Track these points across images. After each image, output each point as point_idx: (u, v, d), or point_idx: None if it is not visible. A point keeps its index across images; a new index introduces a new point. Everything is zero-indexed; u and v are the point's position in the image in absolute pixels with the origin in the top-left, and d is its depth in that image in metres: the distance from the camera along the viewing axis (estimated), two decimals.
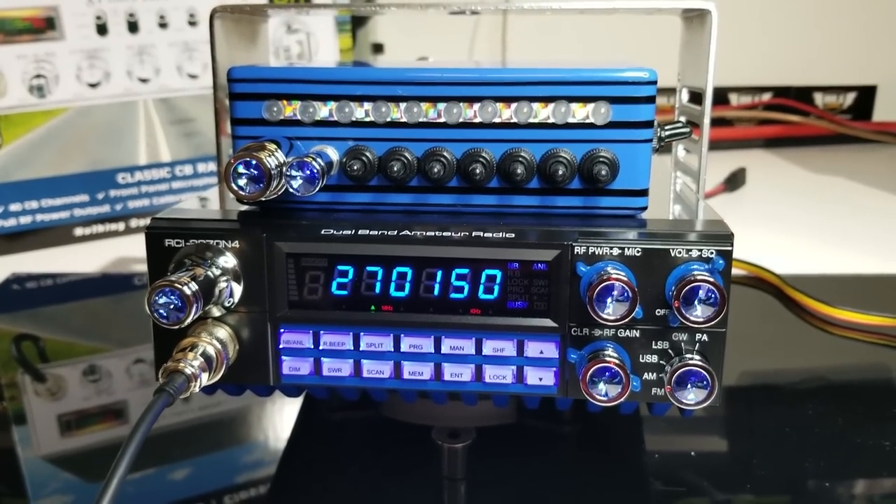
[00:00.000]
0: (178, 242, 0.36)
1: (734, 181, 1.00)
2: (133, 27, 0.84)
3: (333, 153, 0.37)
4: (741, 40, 1.26)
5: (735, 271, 0.76)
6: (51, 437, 0.52)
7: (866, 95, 1.32)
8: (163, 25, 0.85)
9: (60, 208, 0.85)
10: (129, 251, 0.85)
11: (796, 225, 0.92)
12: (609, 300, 0.33)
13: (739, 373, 0.58)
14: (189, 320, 0.33)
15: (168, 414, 0.53)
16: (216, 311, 0.36)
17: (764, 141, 1.27)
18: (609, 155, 0.36)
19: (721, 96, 1.29)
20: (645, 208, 0.37)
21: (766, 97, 1.30)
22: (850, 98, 1.33)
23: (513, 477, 0.46)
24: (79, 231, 0.87)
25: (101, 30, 0.82)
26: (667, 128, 0.38)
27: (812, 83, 1.31)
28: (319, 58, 0.93)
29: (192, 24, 0.86)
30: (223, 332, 0.37)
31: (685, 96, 0.53)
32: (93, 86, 0.83)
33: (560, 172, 0.35)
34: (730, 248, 0.34)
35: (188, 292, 0.33)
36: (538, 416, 0.48)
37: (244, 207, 0.40)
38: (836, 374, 0.60)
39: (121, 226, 0.88)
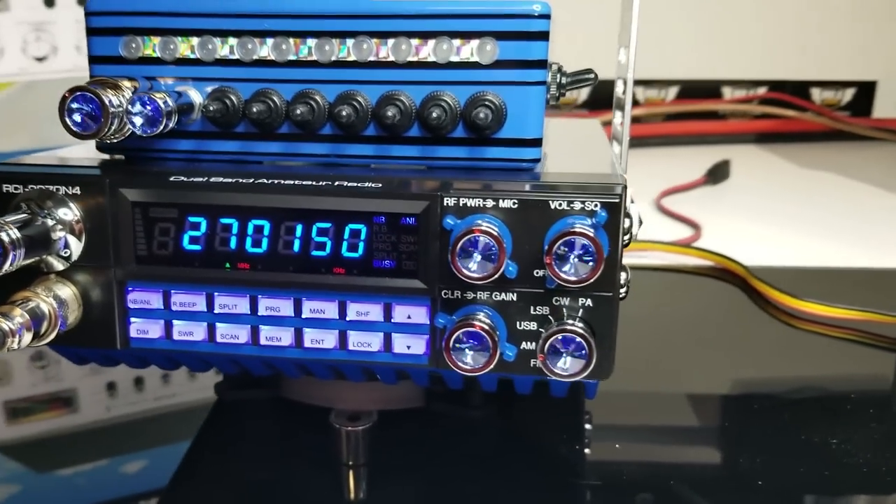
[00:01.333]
0: (16, 188, 0.33)
1: (716, 174, 0.96)
2: (82, 0, 0.81)
3: (196, 95, 0.34)
4: (736, 32, 1.22)
5: (700, 262, 0.72)
6: None
7: (866, 91, 1.27)
8: None
9: None
10: None
11: (776, 218, 0.87)
12: (475, 255, 0.29)
13: (691, 364, 0.54)
14: (6, 269, 0.30)
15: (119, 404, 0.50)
16: (59, 266, 0.33)
17: (756, 136, 1.22)
18: (495, 99, 0.32)
19: (714, 90, 1.25)
20: (537, 160, 0.33)
21: (762, 91, 1.25)
22: (848, 94, 1.27)
23: (417, 463, 0.42)
24: None
25: (49, 2, 0.79)
26: (567, 73, 0.34)
27: (809, 78, 1.26)
28: None
29: None
30: (66, 291, 0.33)
31: (622, 57, 0.49)
32: (39, 59, 0.80)
33: (435, 116, 0.32)
34: (616, 201, 0.30)
35: (6, 238, 0.30)
36: (448, 400, 0.45)
37: (107, 157, 0.36)
38: (795, 368, 0.55)
39: None
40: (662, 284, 0.70)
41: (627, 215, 0.34)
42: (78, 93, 0.31)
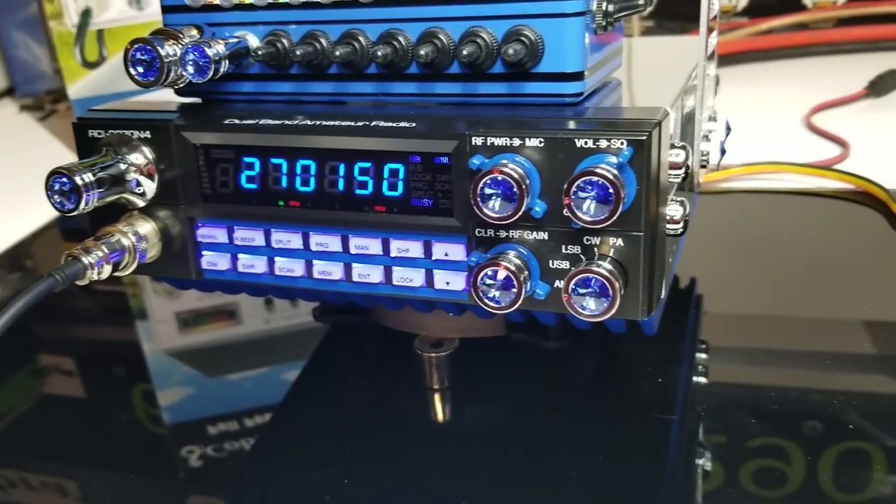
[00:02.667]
0: (99, 133, 0.36)
1: (880, 85, 0.87)
2: None
3: (253, 39, 0.35)
4: None
5: (840, 185, 0.66)
6: (170, 333, 0.56)
7: None
8: None
9: None
10: None
11: None
12: (493, 196, 0.29)
13: (817, 293, 0.51)
14: (82, 208, 0.33)
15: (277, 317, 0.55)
16: (139, 203, 0.36)
17: None
18: (530, 33, 0.31)
19: None
20: (580, 94, 0.32)
21: None
22: None
23: (496, 390, 0.44)
24: None
25: None
26: (616, 0, 0.33)
27: None
28: None
29: None
30: (147, 226, 0.36)
31: None
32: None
33: (466, 53, 0.31)
34: (642, 138, 0.29)
35: (80, 181, 0.33)
36: (527, 331, 0.45)
37: (186, 100, 0.39)
38: None
39: None
40: (794, 209, 0.65)
41: (679, 147, 0.32)
42: (137, 44, 0.33)
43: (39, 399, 0.48)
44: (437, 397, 0.44)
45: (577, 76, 0.32)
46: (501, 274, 0.30)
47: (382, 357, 0.48)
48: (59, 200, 0.33)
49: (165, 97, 0.39)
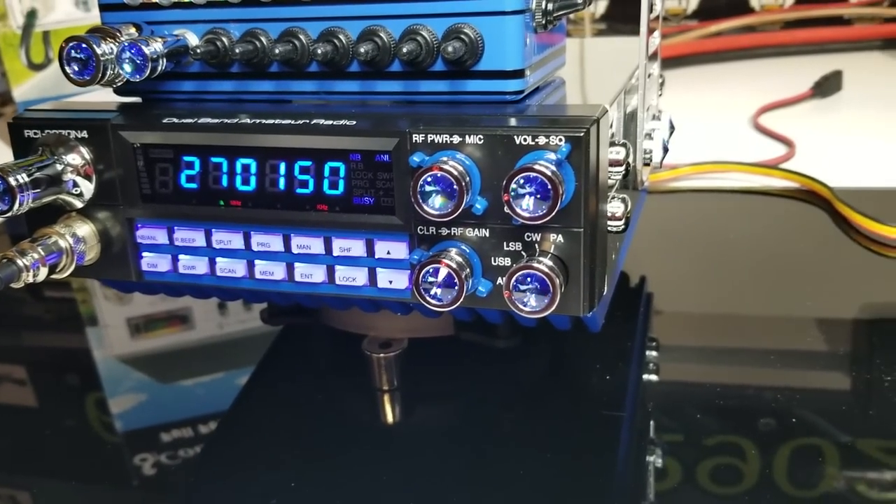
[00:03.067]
0: (35, 133, 0.35)
1: (825, 86, 0.89)
2: None
3: (192, 38, 0.35)
4: None
5: (785, 183, 0.68)
6: (122, 339, 0.55)
7: None
8: None
9: None
10: None
11: (886, 134, 0.80)
12: (433, 193, 0.29)
13: (763, 290, 0.52)
14: (16, 209, 0.33)
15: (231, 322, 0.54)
16: (77, 204, 0.36)
17: (883, 42, 1.11)
18: (470, 31, 0.31)
19: None
20: (520, 92, 0.32)
21: None
22: None
23: (446, 389, 0.44)
24: None
25: None
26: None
27: None
28: None
29: None
30: (85, 228, 0.36)
31: None
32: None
33: (406, 50, 0.31)
34: (580, 135, 0.29)
35: (13, 182, 0.32)
36: (476, 330, 0.45)
37: (125, 100, 0.38)
38: (874, 297, 0.52)
39: None
40: (741, 207, 0.66)
41: (622, 144, 0.32)
42: (72, 42, 0.33)
43: None
44: (386, 398, 0.43)
45: (518, 74, 0.32)
46: (443, 271, 0.30)
47: (331, 359, 0.48)
48: None
49: (109, 98, 0.39)
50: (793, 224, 0.63)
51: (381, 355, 0.43)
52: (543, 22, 0.33)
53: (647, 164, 0.39)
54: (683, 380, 0.45)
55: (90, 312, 0.60)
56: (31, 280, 0.33)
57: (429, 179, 0.29)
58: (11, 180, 0.32)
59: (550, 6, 0.33)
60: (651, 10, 0.38)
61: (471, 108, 0.33)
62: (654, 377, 0.44)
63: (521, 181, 0.28)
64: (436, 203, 0.29)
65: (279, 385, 0.45)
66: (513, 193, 0.28)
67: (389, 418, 0.43)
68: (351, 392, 0.44)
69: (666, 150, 0.41)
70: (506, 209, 0.29)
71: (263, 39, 0.34)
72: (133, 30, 0.35)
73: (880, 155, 0.75)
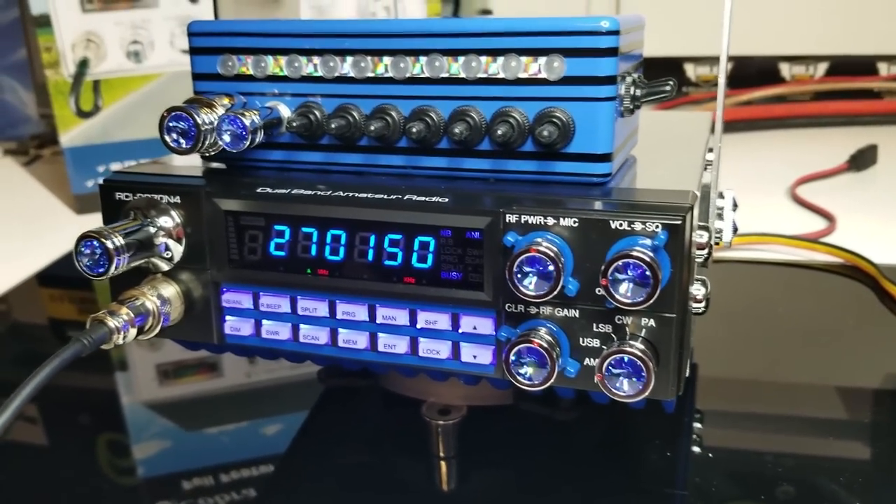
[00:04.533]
0: (126, 196, 0.36)
1: (860, 160, 0.90)
2: None
3: (285, 110, 0.36)
4: (893, 2, 1.13)
5: (829, 259, 0.68)
6: (150, 385, 0.55)
7: None
8: None
9: None
10: None
11: None
12: (530, 274, 0.30)
13: (810, 367, 0.52)
14: (112, 272, 0.33)
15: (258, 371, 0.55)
16: (164, 267, 0.36)
17: None
18: (562, 115, 0.32)
19: (869, 66, 1.16)
20: (608, 175, 0.33)
21: None
22: None
23: (503, 459, 0.43)
24: None
25: None
26: (643, 85, 0.34)
27: None
28: None
29: None
30: (170, 290, 0.36)
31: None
32: (185, 52, 0.86)
33: (500, 133, 0.32)
34: (678, 222, 0.29)
35: (110, 245, 0.33)
36: (536, 400, 0.45)
37: (213, 165, 0.39)
38: None
39: None
40: (786, 281, 0.67)
41: (704, 228, 0.33)
42: (174, 112, 0.34)
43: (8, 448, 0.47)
44: (443, 465, 0.43)
45: (606, 157, 0.33)
46: (537, 352, 0.30)
47: (381, 422, 0.48)
48: (88, 264, 0.33)
49: (179, 160, 0.40)
50: (838, 300, 0.64)
51: (441, 422, 0.43)
52: (631, 107, 0.34)
53: (716, 244, 0.40)
54: (726, 448, 0.45)
55: (121, 357, 0.60)
56: (120, 342, 0.34)
57: (526, 260, 0.30)
58: (109, 244, 0.33)
59: (638, 92, 0.34)
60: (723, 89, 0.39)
61: (557, 188, 0.33)
62: (697, 449, 0.44)
63: (621, 266, 0.29)
64: (531, 283, 0.30)
65: (329, 445, 0.45)
66: (611, 278, 0.29)
67: (445, 486, 0.43)
68: (405, 457, 0.44)
69: (735, 229, 0.42)
70: (599, 292, 0.30)
71: (355, 114, 0.35)
72: (226, 100, 0.36)
73: None
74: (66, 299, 0.72)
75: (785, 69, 1.19)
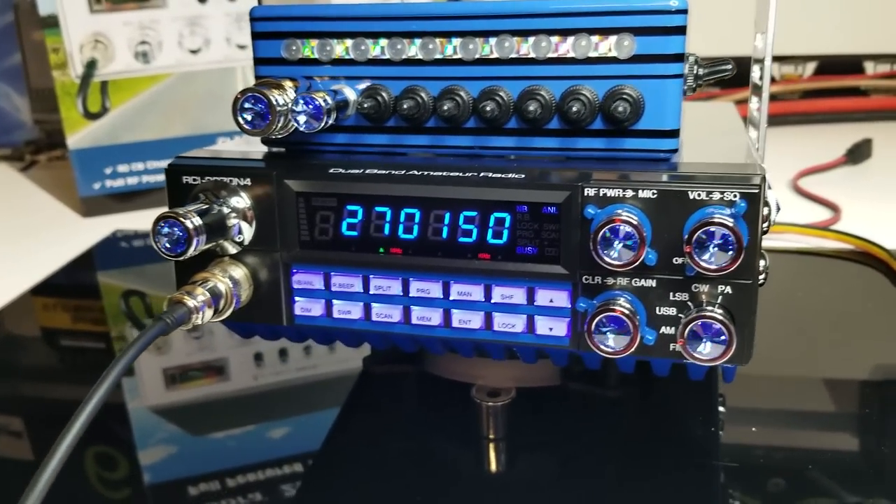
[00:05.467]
0: (194, 179, 0.37)
1: (857, 153, 0.92)
2: None
3: (351, 93, 0.37)
4: (877, 4, 1.16)
5: (841, 245, 0.70)
6: (157, 389, 0.54)
7: None
8: None
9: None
10: None
11: None
12: (615, 244, 0.31)
13: (833, 352, 0.53)
14: (190, 253, 0.34)
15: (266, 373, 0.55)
16: (232, 249, 0.37)
17: None
18: (632, 92, 0.33)
19: (855, 64, 1.19)
20: (675, 151, 0.34)
21: None
22: None
23: (553, 439, 0.44)
24: None
25: None
26: (705, 64, 0.35)
27: None
28: None
29: None
30: (239, 272, 0.37)
31: (758, 42, 0.48)
32: (194, 52, 0.86)
33: (575, 110, 0.33)
34: (755, 191, 0.31)
35: (190, 225, 0.33)
36: (583, 379, 0.46)
37: (272, 149, 0.40)
38: None
39: None
40: (800, 268, 0.68)
41: (766, 203, 0.34)
42: (248, 94, 0.34)
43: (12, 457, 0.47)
44: (492, 447, 0.44)
45: (674, 133, 0.34)
46: (619, 320, 0.31)
47: (431, 405, 0.49)
48: (167, 245, 0.33)
49: (232, 146, 0.40)
50: (855, 284, 0.65)
51: (490, 404, 0.44)
52: (694, 86, 0.35)
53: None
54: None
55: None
56: (199, 322, 0.34)
57: (610, 230, 0.30)
58: (188, 223, 0.33)
59: (701, 71, 0.35)
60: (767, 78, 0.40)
61: (626, 164, 0.34)
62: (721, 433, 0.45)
63: (705, 234, 0.30)
64: (616, 254, 0.31)
65: (375, 432, 0.45)
66: (695, 246, 0.30)
67: (494, 467, 0.43)
68: (454, 441, 0.45)
69: (778, 208, 0.43)
70: (678, 261, 0.31)
71: (424, 96, 0.35)
72: (290, 84, 0.37)
73: None
74: (74, 307, 0.71)
75: (774, 69, 1.21)
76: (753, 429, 0.45)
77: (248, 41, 0.86)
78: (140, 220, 0.86)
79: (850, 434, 0.45)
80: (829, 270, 0.68)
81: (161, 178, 0.89)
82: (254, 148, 0.41)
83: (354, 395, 0.48)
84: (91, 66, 0.84)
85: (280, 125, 0.34)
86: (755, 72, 0.40)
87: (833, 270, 0.68)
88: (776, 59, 1.20)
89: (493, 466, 0.43)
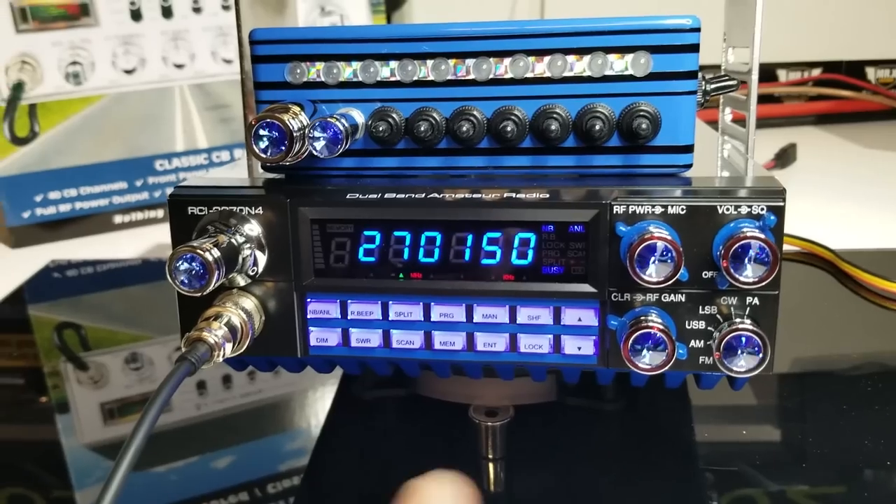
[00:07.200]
0: (201, 210, 0.35)
1: (784, 157, 0.96)
2: (167, 12, 0.83)
3: (359, 115, 0.36)
4: (789, 14, 1.22)
5: (787, 247, 0.73)
6: (94, 425, 0.52)
7: None
8: (197, 10, 0.85)
9: (99, 196, 0.85)
10: (169, 238, 0.85)
11: (849, 200, 0.88)
12: (651, 261, 0.31)
13: (793, 352, 0.55)
14: (211, 287, 0.32)
15: (209, 402, 0.53)
16: (241, 281, 0.35)
17: (815, 118, 1.22)
18: (650, 109, 0.34)
19: (769, 73, 1.25)
20: (690, 166, 0.35)
21: (816, 73, 1.26)
22: None
23: (553, 456, 0.44)
24: (118, 218, 0.87)
25: (136, 15, 0.82)
26: (712, 80, 0.36)
27: (864, 57, 1.26)
28: None
29: (226, 7, 0.86)
30: (249, 303, 0.35)
31: (731, 57, 0.50)
32: (128, 72, 0.83)
33: (597, 128, 0.33)
34: (781, 204, 0.31)
35: (210, 258, 0.32)
36: (579, 394, 0.47)
37: (270, 176, 0.38)
38: (891, 349, 0.56)
39: (160, 213, 0.88)
40: None
41: None
42: (263, 120, 0.33)
43: None
44: (491, 466, 0.44)
45: (689, 149, 0.35)
46: (655, 336, 0.31)
47: (428, 427, 0.48)
48: (186, 280, 0.32)
49: (222, 174, 0.38)
50: (804, 284, 0.68)
51: (489, 423, 0.44)
52: (703, 101, 0.36)
53: None
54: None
55: (61, 397, 0.57)
56: (220, 358, 0.32)
57: (646, 248, 0.31)
58: (208, 256, 0.32)
59: (710, 87, 0.36)
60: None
61: (644, 180, 0.35)
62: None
63: (740, 249, 0.30)
64: (652, 271, 0.31)
65: (364, 456, 0.44)
66: (732, 260, 0.30)
67: (494, 487, 0.43)
68: (457, 461, 0.44)
69: None
70: (709, 276, 0.32)
71: (437, 117, 0.35)
72: (297, 108, 0.35)
73: (849, 219, 0.82)
74: (4, 342, 0.67)
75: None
76: (744, 431, 0.47)
77: (185, 60, 0.84)
78: (75, 248, 0.82)
79: (799, 425, 0.47)
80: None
81: (96, 203, 0.85)
82: (239, 174, 0.40)
83: (339, 420, 0.47)
84: (18, 88, 0.80)
85: (295, 151, 0.33)
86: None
87: (783, 272, 0.71)
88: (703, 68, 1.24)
89: (493, 486, 0.43)
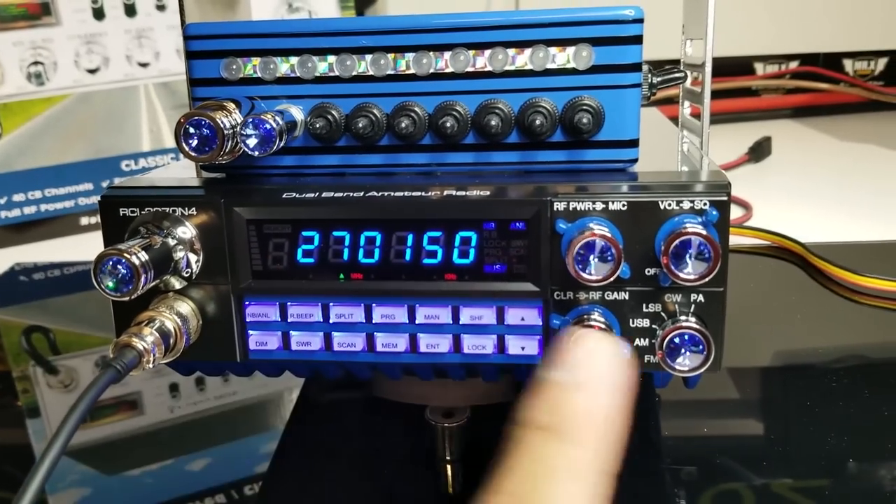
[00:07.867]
0: (132, 211, 0.34)
1: (758, 151, 0.96)
2: (131, 10, 0.82)
3: (298, 112, 0.35)
4: (766, 7, 1.22)
5: (757, 241, 0.72)
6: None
7: None
8: (160, 8, 0.83)
9: (65, 197, 0.84)
10: None
11: (824, 194, 0.87)
12: (591, 259, 0.30)
13: (763, 344, 0.55)
14: (139, 292, 0.31)
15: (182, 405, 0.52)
16: (177, 284, 0.34)
17: (792, 111, 1.22)
18: (593, 103, 0.33)
19: (746, 66, 1.25)
20: (635, 160, 0.34)
21: (793, 65, 1.25)
22: (881, 63, 1.27)
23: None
24: (84, 220, 0.85)
25: (98, 14, 0.81)
26: (658, 73, 0.35)
27: (841, 49, 1.26)
28: None
29: None
30: (185, 307, 0.34)
31: (689, 49, 0.49)
32: (92, 71, 0.82)
33: (538, 123, 0.32)
34: (725, 199, 0.31)
35: (136, 262, 0.31)
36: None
37: (212, 175, 0.37)
38: (864, 344, 0.56)
39: None
40: None
41: None
42: (192, 118, 0.32)
43: None
44: (449, 468, 0.43)
45: (634, 143, 0.34)
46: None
47: (384, 429, 0.47)
48: (112, 285, 0.31)
49: (163, 174, 0.37)
50: (774, 279, 0.68)
51: (446, 425, 0.43)
52: (648, 94, 0.35)
53: None
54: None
55: (31, 402, 0.56)
56: (149, 365, 0.31)
57: (585, 245, 0.30)
58: (134, 260, 0.31)
59: (656, 79, 0.35)
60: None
61: (588, 175, 0.34)
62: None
63: (681, 245, 0.29)
64: (593, 269, 0.30)
65: (323, 461, 0.44)
66: (672, 257, 0.29)
67: (451, 489, 0.42)
68: (413, 464, 0.43)
69: None
70: (652, 273, 0.31)
71: (377, 113, 0.34)
72: (232, 105, 0.34)
73: (823, 213, 0.81)
74: None
75: None
76: (705, 430, 0.46)
77: (149, 59, 0.83)
78: (41, 251, 0.81)
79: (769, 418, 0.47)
80: (748, 266, 0.70)
81: (61, 205, 0.84)
82: (186, 174, 0.39)
83: (303, 423, 0.46)
84: None
85: (227, 149, 0.32)
86: (688, 77, 0.41)
87: (752, 266, 0.70)
88: (671, 61, 1.24)
89: (452, 487, 0.42)
